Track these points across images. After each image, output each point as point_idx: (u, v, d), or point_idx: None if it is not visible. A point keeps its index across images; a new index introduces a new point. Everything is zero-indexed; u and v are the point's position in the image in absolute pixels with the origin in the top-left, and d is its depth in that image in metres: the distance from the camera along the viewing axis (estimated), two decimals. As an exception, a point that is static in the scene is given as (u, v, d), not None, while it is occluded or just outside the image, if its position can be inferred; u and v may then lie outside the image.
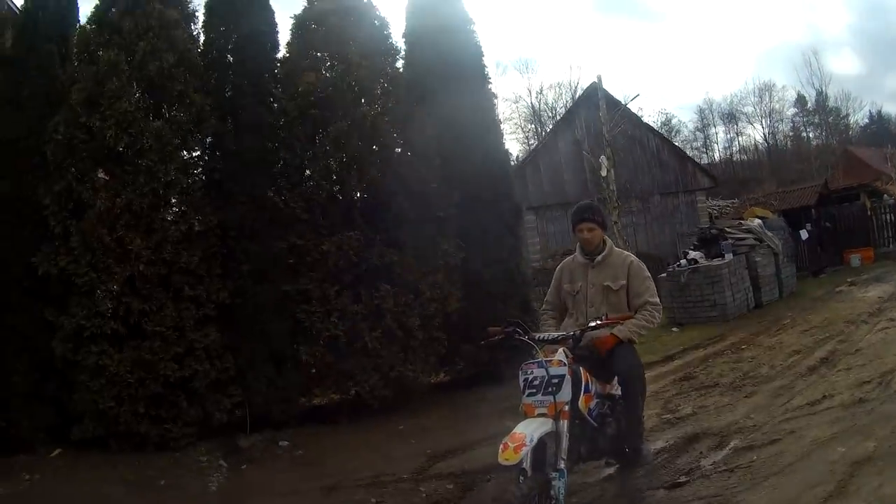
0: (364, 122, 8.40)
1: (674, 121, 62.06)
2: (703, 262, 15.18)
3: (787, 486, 5.25)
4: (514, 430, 4.45)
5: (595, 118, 23.72)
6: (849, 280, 17.07)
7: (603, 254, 5.57)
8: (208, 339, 7.56)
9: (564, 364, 4.75)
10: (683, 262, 15.49)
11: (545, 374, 4.70)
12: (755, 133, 65.63)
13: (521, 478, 4.35)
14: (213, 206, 7.89)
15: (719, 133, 68.71)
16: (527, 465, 4.35)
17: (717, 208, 28.52)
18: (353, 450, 7.62)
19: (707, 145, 65.32)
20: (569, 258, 5.87)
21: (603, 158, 17.91)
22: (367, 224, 8.44)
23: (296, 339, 8.26)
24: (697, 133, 65.86)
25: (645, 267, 5.75)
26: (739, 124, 66.01)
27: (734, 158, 63.45)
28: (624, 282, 5.50)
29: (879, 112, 66.26)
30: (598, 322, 5.06)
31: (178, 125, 7.68)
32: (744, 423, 7.06)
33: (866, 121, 63.04)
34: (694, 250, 16.22)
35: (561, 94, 59.50)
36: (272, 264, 8.14)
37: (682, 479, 5.72)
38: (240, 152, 8.04)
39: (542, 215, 24.55)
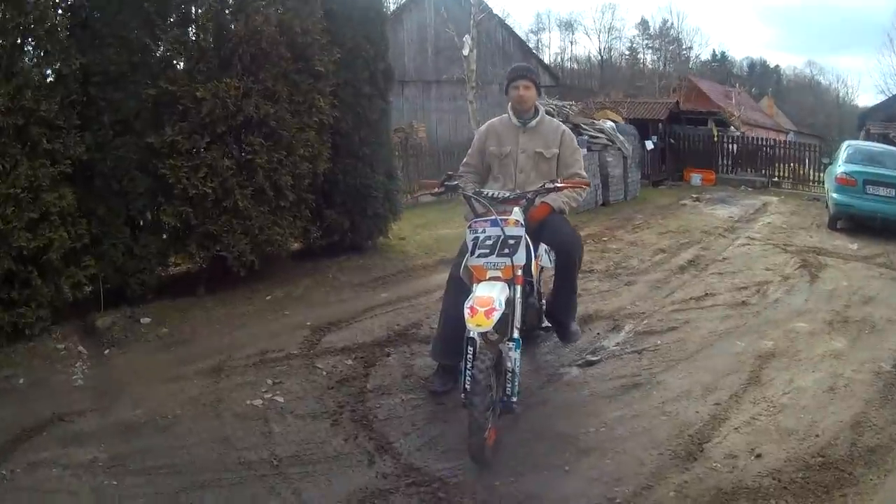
0: (255, -37, 7.41)
1: (509, 19, 62.44)
2: (557, 153, 15.30)
3: (701, 371, 5.40)
4: (475, 294, 4.04)
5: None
6: (693, 195, 17.95)
7: (537, 119, 5.24)
8: (64, 202, 6.34)
9: (521, 224, 4.35)
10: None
11: (501, 233, 4.27)
12: (591, 46, 67.84)
13: (471, 349, 3.95)
14: (77, 49, 6.58)
15: (553, 39, 70.45)
16: (475, 335, 3.97)
17: (553, 106, 28.90)
18: (225, 324, 6.86)
19: (539, 49, 66.68)
20: (496, 119, 5.45)
21: (467, 38, 17.57)
22: (245, 73, 7.53)
23: (156, 199, 7.25)
24: (531, 35, 67.17)
25: (575, 138, 5.47)
26: (576, 34, 68.09)
27: (566, 66, 65.22)
28: (556, 150, 5.20)
29: (724, 53, 71.38)
30: (555, 185, 4.68)
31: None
32: (632, 309, 7.18)
33: (708, 57, 67.50)
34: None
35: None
36: (137, 114, 7.02)
37: (592, 358, 5.66)
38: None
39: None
